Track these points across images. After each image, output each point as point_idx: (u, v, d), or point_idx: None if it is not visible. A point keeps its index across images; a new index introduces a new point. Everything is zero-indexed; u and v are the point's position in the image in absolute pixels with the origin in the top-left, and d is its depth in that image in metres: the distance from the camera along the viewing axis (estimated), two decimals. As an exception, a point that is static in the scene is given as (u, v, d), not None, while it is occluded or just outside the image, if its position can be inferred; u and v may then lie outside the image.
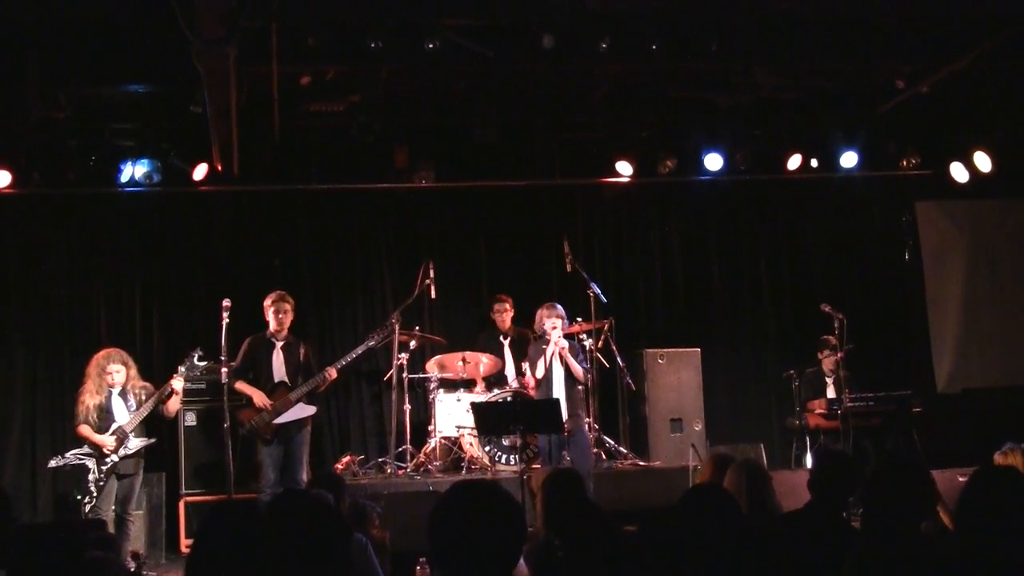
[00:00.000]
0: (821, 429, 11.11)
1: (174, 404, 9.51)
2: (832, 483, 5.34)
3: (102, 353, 9.46)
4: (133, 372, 9.44)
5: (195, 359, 9.54)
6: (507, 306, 11.68)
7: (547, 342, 9.82)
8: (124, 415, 9.25)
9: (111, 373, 9.27)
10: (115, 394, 9.30)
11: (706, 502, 3.66)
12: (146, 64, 9.48)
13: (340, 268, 12.40)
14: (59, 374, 11.33)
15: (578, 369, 9.84)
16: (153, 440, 9.47)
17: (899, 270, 13.46)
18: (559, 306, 9.99)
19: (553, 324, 9.79)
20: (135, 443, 9.22)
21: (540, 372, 9.88)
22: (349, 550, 3.82)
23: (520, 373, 11.34)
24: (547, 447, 9.73)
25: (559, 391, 9.79)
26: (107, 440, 9.12)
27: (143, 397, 9.34)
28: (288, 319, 9.94)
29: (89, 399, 9.23)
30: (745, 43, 9.77)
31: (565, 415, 9.50)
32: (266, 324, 9.99)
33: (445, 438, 11.10)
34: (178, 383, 9.39)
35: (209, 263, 12.00)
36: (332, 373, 9.97)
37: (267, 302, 9.97)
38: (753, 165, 12.33)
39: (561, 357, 9.81)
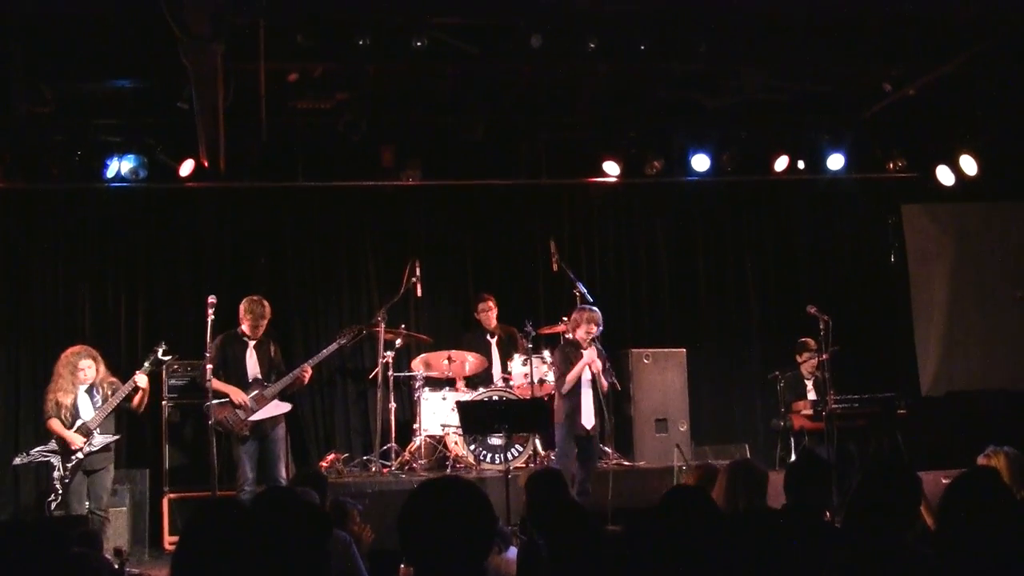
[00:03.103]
0: (806, 430, 11.11)
1: (141, 400, 9.53)
2: (807, 485, 5.35)
3: (71, 350, 9.50)
4: (102, 368, 9.51)
5: (159, 354, 9.65)
6: (491, 304, 11.68)
7: (578, 347, 9.85)
8: (89, 411, 9.33)
9: (83, 370, 9.34)
10: (82, 391, 9.36)
11: (685, 503, 3.68)
12: (132, 59, 9.46)
13: (326, 266, 12.38)
14: (42, 371, 11.23)
15: (605, 384, 9.84)
16: (118, 437, 9.56)
17: (884, 272, 13.49)
18: (596, 310, 9.92)
19: (588, 330, 9.76)
20: (99, 440, 9.29)
21: (566, 387, 9.81)
22: (330, 547, 3.83)
23: (505, 370, 11.36)
24: (575, 453, 9.79)
25: (587, 398, 9.78)
26: (76, 438, 9.19)
27: (109, 393, 9.40)
28: (262, 330, 9.98)
29: (62, 397, 9.28)
30: (733, 45, 9.77)
31: (593, 421, 9.71)
32: (238, 323, 10.00)
33: (430, 436, 11.10)
34: (142, 379, 9.44)
35: (195, 260, 11.97)
36: (308, 370, 10.03)
37: (244, 306, 9.96)
38: (740, 166, 12.37)
39: (591, 370, 9.77)
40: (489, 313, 11.67)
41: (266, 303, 10.02)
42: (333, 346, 10.31)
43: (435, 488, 3.36)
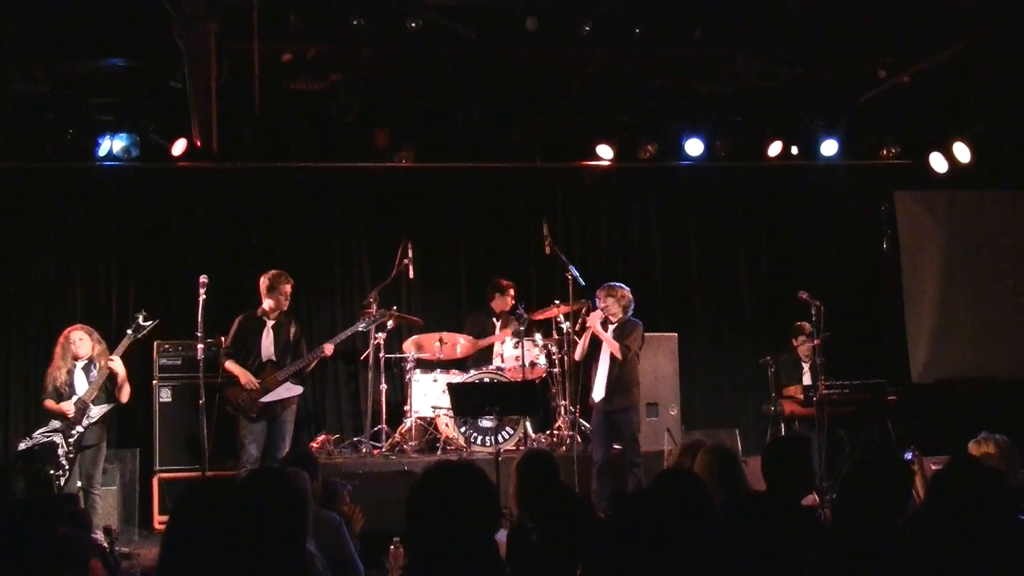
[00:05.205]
0: (796, 416, 11.15)
1: (122, 386, 9.71)
2: (784, 470, 5.35)
3: (69, 328, 9.75)
4: (98, 345, 9.70)
5: (140, 320, 9.78)
6: (513, 291, 11.68)
7: (605, 322, 10.17)
8: (84, 387, 9.51)
9: (75, 342, 9.54)
10: (79, 367, 9.56)
11: (676, 486, 3.69)
12: (126, 38, 9.43)
13: (318, 246, 12.36)
14: (34, 351, 11.25)
15: (613, 344, 10.03)
16: (113, 405, 9.68)
17: (877, 259, 13.51)
18: (612, 286, 10.29)
19: (602, 305, 10.12)
20: (96, 411, 9.49)
21: (578, 352, 10.34)
22: (308, 525, 3.84)
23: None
24: (598, 434, 10.10)
25: (602, 369, 10.10)
26: (67, 406, 9.37)
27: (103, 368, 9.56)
28: (286, 301, 10.05)
29: (56, 372, 9.52)
30: (728, 31, 9.76)
31: (602, 393, 10.03)
32: (258, 301, 10.05)
33: (421, 418, 11.10)
34: (118, 364, 9.61)
35: (187, 239, 11.95)
36: (329, 349, 10.18)
37: (264, 281, 10.02)
38: (733, 152, 12.36)
39: (595, 335, 10.11)
40: (508, 299, 11.64)
41: (287, 275, 10.15)
42: (350, 330, 10.44)
43: (445, 470, 3.37)
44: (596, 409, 10.14)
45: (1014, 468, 6.76)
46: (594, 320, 10.09)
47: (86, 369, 9.57)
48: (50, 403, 9.45)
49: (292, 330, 10.19)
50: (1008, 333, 13.12)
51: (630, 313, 10.24)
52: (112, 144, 11.04)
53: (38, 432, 9.42)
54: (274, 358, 10.01)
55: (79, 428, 9.35)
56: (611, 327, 10.15)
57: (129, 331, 9.73)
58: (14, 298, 11.57)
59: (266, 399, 9.82)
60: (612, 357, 10.04)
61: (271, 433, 9.89)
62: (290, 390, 9.98)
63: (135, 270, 11.87)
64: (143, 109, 11.10)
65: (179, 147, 11.10)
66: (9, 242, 11.62)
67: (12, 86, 9.54)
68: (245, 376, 9.84)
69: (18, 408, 11.21)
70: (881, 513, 4.36)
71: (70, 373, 9.50)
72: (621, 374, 10.02)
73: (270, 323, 10.07)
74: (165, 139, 11.09)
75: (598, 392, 10.09)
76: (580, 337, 10.99)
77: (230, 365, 9.92)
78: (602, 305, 10.13)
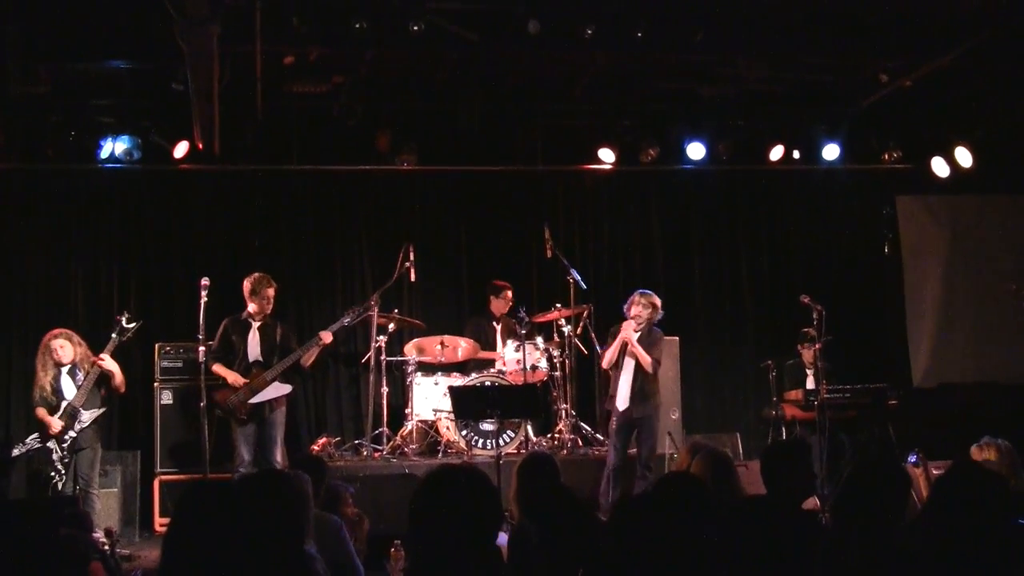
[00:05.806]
0: (797, 420, 11.14)
1: (120, 381, 9.72)
2: (784, 473, 5.34)
3: (48, 334, 9.68)
4: (81, 349, 9.64)
5: (123, 322, 9.72)
6: (509, 293, 11.67)
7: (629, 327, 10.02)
8: (73, 392, 9.46)
9: (55, 349, 9.49)
10: (64, 372, 9.52)
11: (678, 489, 3.69)
12: (128, 40, 9.42)
13: (320, 249, 12.36)
14: (35, 352, 11.18)
15: (645, 359, 9.89)
16: (104, 409, 9.65)
17: (878, 263, 13.50)
18: (649, 293, 10.11)
19: (635, 312, 9.95)
20: (87, 416, 9.44)
21: (606, 360, 10.17)
22: (307, 526, 3.85)
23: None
24: (617, 438, 9.96)
25: (626, 378, 9.94)
26: (56, 423, 9.35)
27: (94, 373, 9.53)
28: (269, 305, 9.96)
29: (42, 379, 9.48)
30: (730, 35, 9.76)
31: (626, 403, 9.84)
32: (244, 304, 10.00)
33: (422, 421, 11.11)
34: (108, 362, 9.56)
35: (188, 241, 11.95)
36: (327, 336, 10.07)
37: (247, 285, 9.96)
38: (735, 156, 12.37)
39: (627, 347, 9.94)
40: (507, 302, 11.62)
41: (270, 279, 10.04)
42: (345, 319, 10.41)
43: (447, 474, 3.37)
44: (618, 414, 10.05)
45: (1016, 473, 6.76)
46: (629, 332, 9.96)
47: (71, 374, 9.52)
48: (41, 412, 9.40)
49: (278, 332, 10.09)
50: (1010, 338, 13.09)
51: (655, 323, 10.13)
52: (114, 146, 11.04)
53: (30, 438, 9.41)
54: (261, 359, 9.92)
55: (71, 433, 9.33)
56: (635, 335, 10.05)
57: (113, 335, 9.65)
58: (15, 299, 11.56)
59: (254, 400, 9.77)
60: (636, 366, 9.91)
61: (261, 435, 9.80)
62: (278, 389, 9.89)
63: (136, 272, 11.86)
64: (145, 111, 11.10)
65: (181, 149, 11.10)
66: (11, 243, 11.61)
67: (14, 87, 9.53)
68: (233, 376, 9.76)
69: (19, 408, 11.19)
70: (881, 517, 4.36)
71: (55, 380, 9.46)
72: (644, 383, 9.93)
73: (256, 325, 10.00)
74: (167, 141, 11.09)
75: (621, 401, 9.92)
76: (582, 341, 11.02)
77: (217, 368, 9.83)
78: (636, 312, 9.98)
